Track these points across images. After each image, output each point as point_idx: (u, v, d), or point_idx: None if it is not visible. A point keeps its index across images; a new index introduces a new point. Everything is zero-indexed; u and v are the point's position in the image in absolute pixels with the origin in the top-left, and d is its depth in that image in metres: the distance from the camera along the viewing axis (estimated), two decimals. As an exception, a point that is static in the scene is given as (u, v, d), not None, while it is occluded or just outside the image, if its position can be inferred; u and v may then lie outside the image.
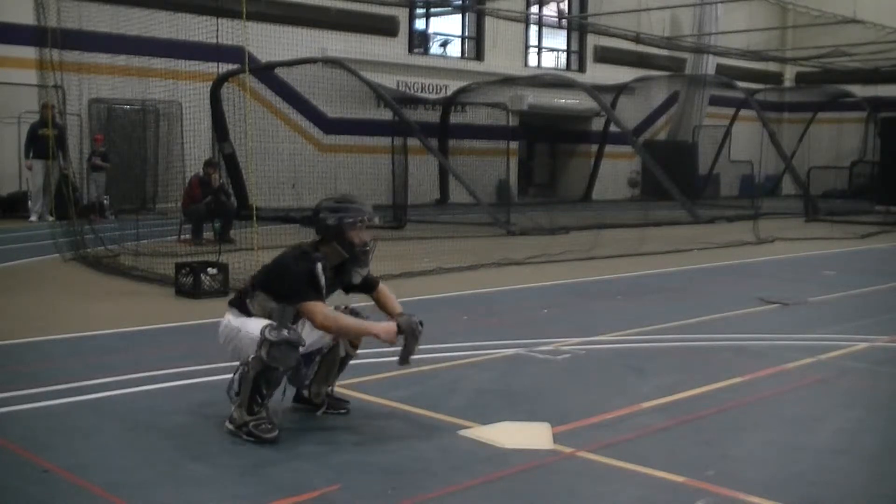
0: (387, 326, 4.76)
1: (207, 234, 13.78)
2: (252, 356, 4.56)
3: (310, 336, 4.77)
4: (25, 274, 10.87)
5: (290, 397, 5.04)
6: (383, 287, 5.05)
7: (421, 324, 4.85)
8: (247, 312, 4.76)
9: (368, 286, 5.02)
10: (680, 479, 4.08)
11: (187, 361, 6.13)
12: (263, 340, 4.49)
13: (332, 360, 5.03)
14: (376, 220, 5.01)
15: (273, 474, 4.10)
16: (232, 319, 4.80)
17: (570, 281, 10.74)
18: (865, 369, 6.38)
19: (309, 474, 4.10)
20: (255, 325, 4.63)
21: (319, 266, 4.68)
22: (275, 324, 4.58)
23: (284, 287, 4.69)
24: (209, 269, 9.05)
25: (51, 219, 15.07)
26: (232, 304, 4.90)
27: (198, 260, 9.48)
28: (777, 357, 6.62)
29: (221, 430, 4.71)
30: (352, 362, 6.08)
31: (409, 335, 4.78)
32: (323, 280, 4.68)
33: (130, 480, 4.02)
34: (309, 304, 4.64)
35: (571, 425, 4.85)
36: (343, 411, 5.05)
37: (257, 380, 4.55)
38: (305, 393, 5.07)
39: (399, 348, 4.84)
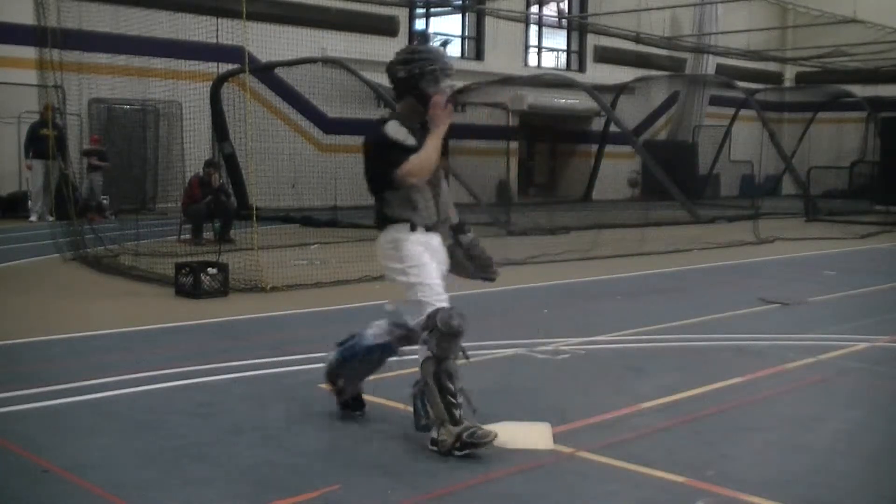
0: (439, 105, 4.47)
1: (207, 234, 13.78)
2: (422, 359, 4.37)
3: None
4: (25, 274, 10.87)
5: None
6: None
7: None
8: (391, 220, 4.53)
9: None
10: (680, 479, 4.08)
11: (187, 361, 6.13)
12: (433, 330, 4.31)
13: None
14: (453, 70, 4.64)
15: (273, 474, 4.10)
16: (394, 263, 4.53)
17: (570, 281, 10.73)
18: (865, 369, 6.38)
19: (309, 474, 4.10)
20: (427, 295, 4.39)
21: (392, 124, 4.48)
22: (446, 308, 4.37)
23: (375, 168, 4.48)
24: (209, 269, 9.06)
25: (51, 219, 15.07)
26: (382, 223, 4.60)
27: (198, 260, 9.48)
28: (777, 357, 6.62)
29: (221, 430, 4.71)
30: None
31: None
32: (404, 134, 4.46)
33: (130, 480, 4.02)
34: (401, 168, 4.38)
35: (571, 425, 4.85)
36: (358, 413, 4.97)
37: (440, 381, 4.34)
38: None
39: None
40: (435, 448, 4.35)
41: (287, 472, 4.14)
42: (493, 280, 4.94)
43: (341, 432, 4.73)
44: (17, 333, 7.10)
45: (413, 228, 4.53)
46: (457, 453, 4.28)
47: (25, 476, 4.06)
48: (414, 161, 4.41)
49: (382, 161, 4.47)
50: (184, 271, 9.11)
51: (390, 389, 5.46)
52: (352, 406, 4.99)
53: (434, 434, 4.38)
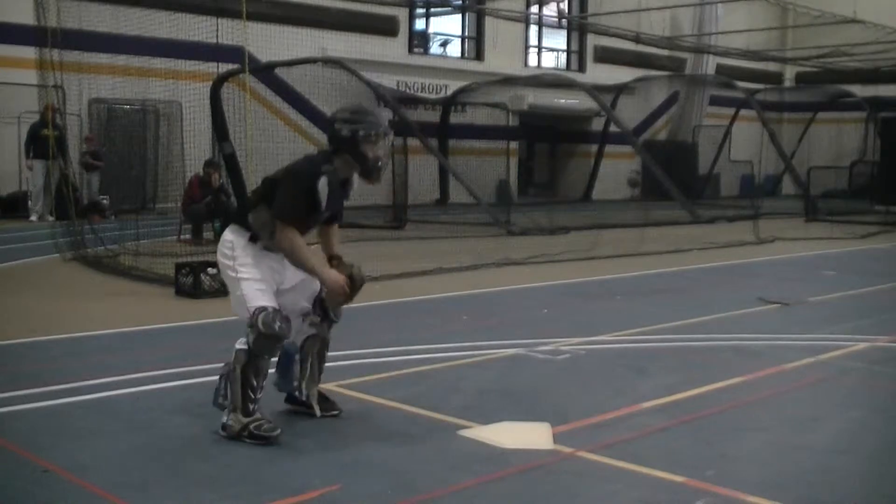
0: (336, 279, 4.61)
1: (207, 235, 13.77)
2: (237, 348, 4.54)
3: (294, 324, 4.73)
4: (25, 274, 10.87)
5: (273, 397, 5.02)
6: (335, 226, 4.95)
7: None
8: (246, 227, 4.62)
9: (334, 217, 4.85)
10: (680, 479, 4.08)
11: (187, 361, 6.13)
12: (253, 327, 4.46)
13: (318, 353, 4.91)
14: (391, 135, 4.78)
15: (273, 474, 4.10)
16: (226, 260, 4.62)
17: (570, 281, 10.73)
18: (865, 369, 6.37)
19: (309, 474, 4.10)
20: (251, 292, 4.51)
21: (323, 181, 4.54)
22: (271, 309, 4.49)
23: (279, 197, 4.55)
24: (209, 269, 9.04)
25: (51, 219, 15.07)
26: (235, 220, 4.75)
27: (198, 260, 9.47)
28: (777, 357, 6.62)
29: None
30: (353, 362, 6.11)
31: (358, 286, 4.71)
32: (325, 196, 4.54)
33: (130, 480, 4.02)
34: (285, 222, 4.50)
35: (571, 425, 4.85)
36: (335, 413, 4.94)
37: (245, 373, 4.51)
38: (298, 394, 4.93)
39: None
40: (224, 433, 4.55)
41: (287, 472, 4.14)
42: (360, 276, 4.80)
43: (341, 432, 4.73)
44: (17, 333, 7.10)
45: (252, 240, 4.63)
46: (246, 440, 4.48)
47: (25, 476, 4.05)
48: (291, 240, 4.50)
49: (290, 194, 4.54)
50: (184, 271, 9.11)
51: (390, 389, 5.47)
52: (325, 408, 4.96)
53: (224, 418, 4.56)
